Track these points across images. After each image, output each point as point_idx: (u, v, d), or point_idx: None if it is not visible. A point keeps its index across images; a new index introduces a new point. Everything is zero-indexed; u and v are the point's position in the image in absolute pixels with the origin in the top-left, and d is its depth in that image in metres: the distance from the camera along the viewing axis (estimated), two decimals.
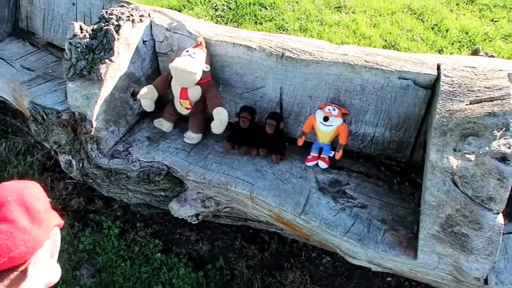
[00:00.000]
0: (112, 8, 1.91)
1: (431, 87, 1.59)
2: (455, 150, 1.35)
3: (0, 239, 0.57)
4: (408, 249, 1.46)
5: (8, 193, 0.62)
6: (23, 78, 2.28)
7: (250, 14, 3.21)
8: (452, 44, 2.81)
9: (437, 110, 1.41)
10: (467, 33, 2.84)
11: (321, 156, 1.77)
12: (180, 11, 3.11)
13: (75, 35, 1.82)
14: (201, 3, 3.37)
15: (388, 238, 1.50)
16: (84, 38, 1.82)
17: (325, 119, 1.70)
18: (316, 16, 3.12)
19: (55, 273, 0.71)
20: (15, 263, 0.59)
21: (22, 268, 0.60)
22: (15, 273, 0.60)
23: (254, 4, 3.27)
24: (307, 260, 2.02)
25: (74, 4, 2.37)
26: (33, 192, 0.66)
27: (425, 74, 1.58)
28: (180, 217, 1.85)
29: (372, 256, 1.51)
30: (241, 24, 3.17)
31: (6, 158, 2.54)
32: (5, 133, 2.70)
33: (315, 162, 1.78)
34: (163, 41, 1.97)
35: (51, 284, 0.71)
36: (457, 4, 3.09)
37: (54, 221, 0.68)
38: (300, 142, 1.80)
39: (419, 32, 2.89)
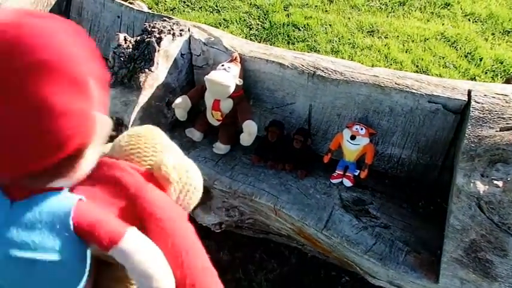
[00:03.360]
0: (155, 22, 2.03)
1: (461, 112, 1.60)
2: (482, 175, 1.35)
3: (33, 131, 0.43)
4: (430, 273, 1.45)
5: (23, 51, 0.39)
6: None
7: (283, 34, 3.31)
8: (486, 73, 2.79)
9: (466, 135, 1.42)
10: (501, 63, 2.82)
11: (346, 174, 1.79)
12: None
13: (119, 45, 1.94)
14: (236, 21, 3.50)
15: (410, 260, 1.50)
16: (127, 48, 1.93)
17: (353, 137, 1.73)
18: (349, 39, 3.18)
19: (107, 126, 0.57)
20: (68, 152, 0.47)
21: (77, 153, 0.50)
22: (70, 160, 0.49)
23: (288, 25, 3.37)
24: (326, 278, 2.02)
25: (118, 17, 2.53)
26: (69, 46, 0.46)
27: (456, 99, 1.59)
28: (204, 224, 1.90)
29: (392, 277, 1.51)
30: (274, 43, 3.27)
31: None
32: None
33: (339, 179, 1.80)
34: (200, 55, 2.07)
35: None
36: (493, 34, 3.08)
37: (95, 76, 0.51)
38: (326, 159, 1.83)
39: (452, 59, 2.89)
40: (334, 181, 1.80)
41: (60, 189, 0.49)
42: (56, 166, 0.45)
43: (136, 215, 0.52)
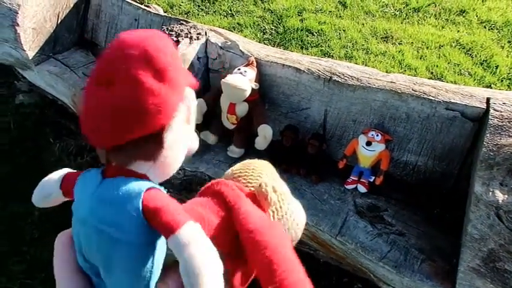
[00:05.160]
0: (173, 25, 2.05)
1: (479, 120, 1.59)
2: (501, 184, 1.33)
3: (125, 103, 0.50)
4: (446, 282, 1.44)
5: (129, 47, 0.51)
6: (83, 84, 2.46)
7: (297, 39, 3.31)
8: (502, 81, 2.76)
9: (484, 143, 1.41)
10: None
11: (361, 180, 1.79)
12: None
13: None
14: (250, 26, 3.51)
15: (425, 268, 1.48)
16: None
17: (368, 143, 1.73)
18: (362, 45, 3.17)
19: (194, 140, 0.62)
20: (148, 130, 0.51)
21: (157, 136, 0.53)
22: (150, 143, 0.53)
23: (302, 30, 3.38)
24: (338, 285, 2.01)
25: (136, 20, 2.56)
26: (158, 43, 0.53)
27: (474, 106, 1.58)
28: None
29: (407, 285, 1.49)
30: (288, 48, 3.27)
31: (59, 158, 2.71)
32: (60, 135, 2.89)
33: (354, 185, 1.79)
34: (216, 59, 2.08)
35: (190, 152, 0.62)
36: (509, 41, 3.06)
37: (185, 80, 0.56)
38: (341, 165, 1.83)
39: (467, 66, 2.87)
40: (348, 187, 1.80)
41: (143, 176, 0.54)
42: (138, 142, 0.52)
43: (233, 225, 0.56)
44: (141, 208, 0.50)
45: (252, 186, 0.63)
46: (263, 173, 0.67)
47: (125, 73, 0.50)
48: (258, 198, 0.61)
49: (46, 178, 0.65)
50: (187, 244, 0.47)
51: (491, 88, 2.68)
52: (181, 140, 0.56)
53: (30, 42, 2.55)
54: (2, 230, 2.29)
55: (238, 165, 0.70)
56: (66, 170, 0.65)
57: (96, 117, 0.51)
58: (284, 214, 0.64)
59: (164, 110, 0.51)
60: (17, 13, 2.43)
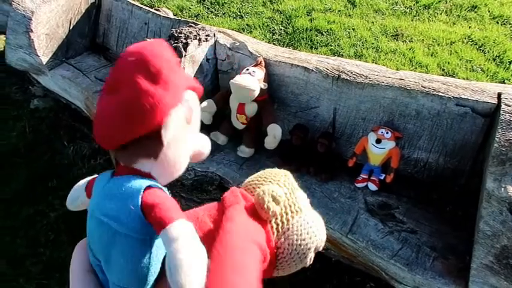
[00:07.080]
0: (181, 28, 2.08)
1: (490, 115, 1.57)
2: None
3: (125, 105, 0.53)
4: (458, 279, 1.42)
5: (130, 55, 0.55)
6: (96, 88, 2.50)
7: (306, 38, 3.31)
8: None
9: (496, 138, 1.39)
10: None
11: (371, 178, 1.78)
12: None
13: None
14: (259, 27, 3.52)
15: (438, 266, 1.47)
16: None
17: (378, 141, 1.72)
18: (372, 43, 3.15)
19: (201, 142, 0.64)
20: (146, 129, 0.54)
21: (155, 134, 0.55)
22: (150, 141, 0.55)
23: (311, 29, 3.38)
24: (350, 284, 2.00)
25: (146, 24, 2.59)
26: (154, 49, 0.55)
27: (485, 102, 1.56)
28: None
29: (419, 283, 1.48)
30: (297, 48, 3.28)
31: (73, 161, 2.76)
32: (73, 138, 2.94)
33: (364, 184, 1.78)
34: (225, 60, 2.10)
35: (202, 156, 0.65)
36: None
37: (185, 82, 0.59)
38: (351, 163, 1.83)
39: (479, 62, 2.83)
40: (359, 185, 1.79)
41: (147, 175, 0.57)
42: (139, 141, 0.55)
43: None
44: (140, 204, 0.52)
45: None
46: (274, 182, 0.63)
47: (126, 79, 0.54)
48: (256, 206, 0.59)
49: (77, 184, 0.70)
50: (175, 239, 0.49)
51: (504, 84, 2.64)
52: (181, 139, 0.58)
53: (44, 48, 2.61)
54: (19, 232, 2.34)
55: (255, 175, 0.69)
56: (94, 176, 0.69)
57: (103, 122, 0.56)
58: (290, 227, 0.60)
59: (159, 109, 0.54)
60: (31, 20, 2.49)
